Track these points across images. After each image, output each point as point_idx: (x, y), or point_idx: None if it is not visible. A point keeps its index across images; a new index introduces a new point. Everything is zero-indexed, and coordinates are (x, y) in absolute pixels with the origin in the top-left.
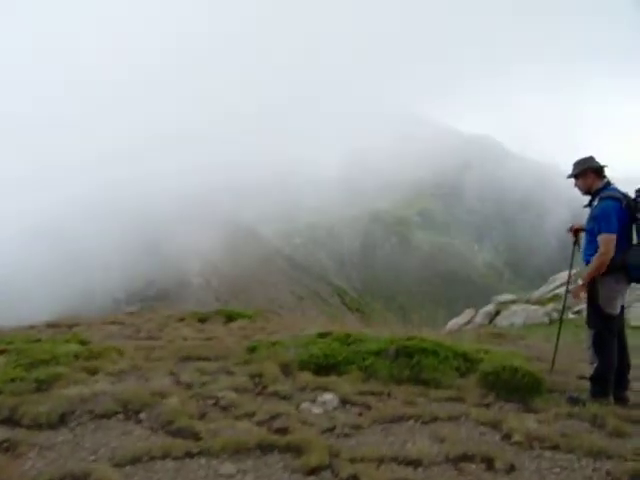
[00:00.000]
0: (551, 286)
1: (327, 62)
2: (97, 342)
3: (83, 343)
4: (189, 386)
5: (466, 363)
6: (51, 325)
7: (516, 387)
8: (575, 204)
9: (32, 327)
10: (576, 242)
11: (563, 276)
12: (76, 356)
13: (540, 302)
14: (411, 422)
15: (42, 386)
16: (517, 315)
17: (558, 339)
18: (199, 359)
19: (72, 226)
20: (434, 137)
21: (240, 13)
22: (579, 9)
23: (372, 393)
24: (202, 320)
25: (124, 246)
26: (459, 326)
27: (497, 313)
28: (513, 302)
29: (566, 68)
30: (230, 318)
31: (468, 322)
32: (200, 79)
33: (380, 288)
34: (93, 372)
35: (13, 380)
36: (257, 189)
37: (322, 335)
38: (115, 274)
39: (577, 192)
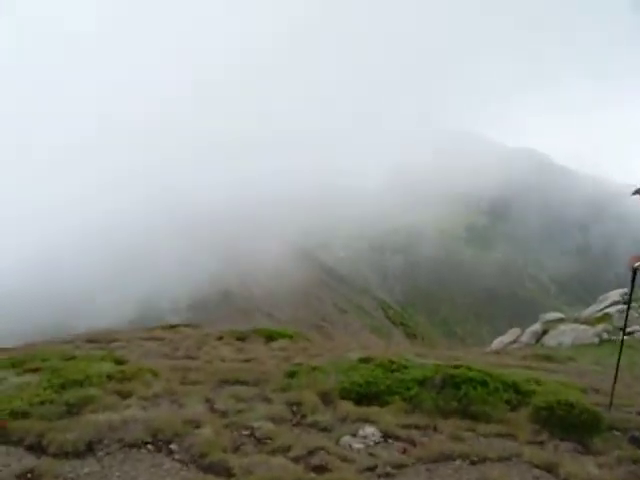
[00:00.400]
0: (601, 305)
1: (374, 78)
2: (133, 361)
3: (118, 362)
4: (224, 414)
5: (517, 395)
6: (90, 340)
7: (572, 424)
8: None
9: (71, 342)
10: (635, 274)
11: (613, 295)
12: (109, 377)
13: (589, 322)
14: (458, 462)
15: (72, 409)
16: (565, 335)
17: (617, 372)
18: (236, 383)
19: (123, 237)
20: (480, 152)
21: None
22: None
23: (416, 427)
24: (241, 339)
25: (171, 258)
26: (504, 345)
27: (544, 332)
28: (561, 321)
29: (623, 83)
30: (270, 337)
31: (514, 341)
32: (248, 94)
33: (423, 301)
34: (125, 395)
35: (43, 403)
36: (300, 202)
37: (364, 360)
38: (161, 285)
39: (632, 209)
